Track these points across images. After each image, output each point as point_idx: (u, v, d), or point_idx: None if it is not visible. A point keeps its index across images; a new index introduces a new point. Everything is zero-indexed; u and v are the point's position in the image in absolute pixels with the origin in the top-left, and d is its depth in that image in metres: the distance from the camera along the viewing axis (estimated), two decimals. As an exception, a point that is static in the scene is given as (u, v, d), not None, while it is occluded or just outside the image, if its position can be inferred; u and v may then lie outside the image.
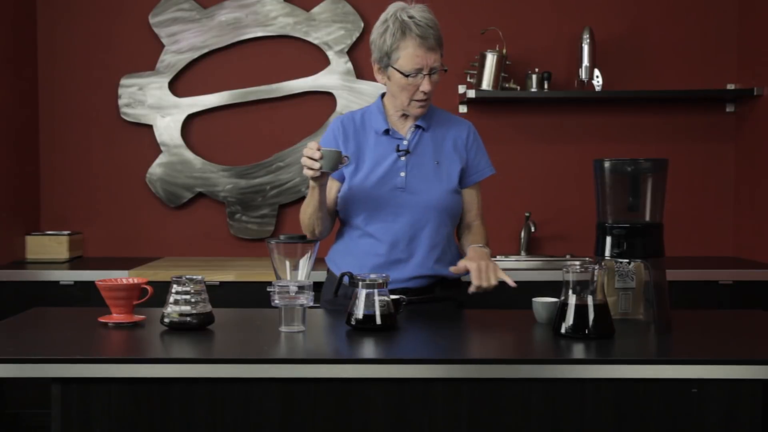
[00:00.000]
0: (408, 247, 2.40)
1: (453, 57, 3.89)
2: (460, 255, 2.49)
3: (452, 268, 2.36)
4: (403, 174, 2.41)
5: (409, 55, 2.33)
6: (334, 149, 2.22)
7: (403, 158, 2.43)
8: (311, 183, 2.30)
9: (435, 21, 2.37)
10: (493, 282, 2.28)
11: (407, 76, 2.34)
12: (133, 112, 3.92)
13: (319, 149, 2.20)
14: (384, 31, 2.35)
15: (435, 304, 2.43)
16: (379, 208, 2.40)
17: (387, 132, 2.45)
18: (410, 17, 2.33)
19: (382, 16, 2.38)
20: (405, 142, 2.44)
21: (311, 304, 2.07)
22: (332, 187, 2.45)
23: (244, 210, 3.93)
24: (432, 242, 2.42)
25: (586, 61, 3.74)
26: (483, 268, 2.28)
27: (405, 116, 2.47)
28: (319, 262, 2.35)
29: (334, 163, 2.20)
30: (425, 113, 2.45)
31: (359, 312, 2.06)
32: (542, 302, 2.18)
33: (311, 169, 2.21)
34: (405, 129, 2.47)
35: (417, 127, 2.46)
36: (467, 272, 2.33)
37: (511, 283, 2.27)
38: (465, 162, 2.49)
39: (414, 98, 2.38)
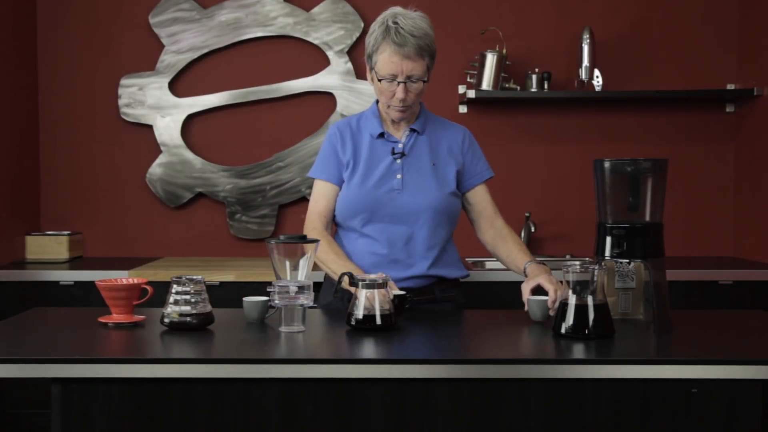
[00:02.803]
0: (405, 247, 2.40)
1: (453, 57, 3.90)
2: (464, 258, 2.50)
3: (527, 294, 2.25)
4: (399, 176, 2.42)
5: (384, 59, 2.33)
6: (261, 300, 2.19)
7: (398, 161, 2.43)
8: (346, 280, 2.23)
9: (425, 30, 2.33)
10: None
11: (380, 80, 2.35)
12: (133, 112, 3.92)
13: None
14: (371, 33, 2.37)
15: (435, 305, 2.43)
16: (376, 210, 2.40)
17: (382, 135, 2.46)
18: (395, 23, 2.32)
19: (379, 18, 2.39)
20: (400, 145, 2.45)
21: (311, 304, 2.08)
22: (332, 193, 2.46)
23: (244, 210, 3.93)
24: (429, 243, 2.41)
25: (586, 61, 3.74)
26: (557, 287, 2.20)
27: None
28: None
29: (261, 313, 2.19)
30: (419, 118, 2.47)
31: (359, 312, 2.06)
32: (537, 300, 2.19)
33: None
34: (400, 133, 2.47)
35: (412, 130, 2.47)
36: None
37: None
38: (462, 166, 2.49)
39: (390, 103, 2.39)
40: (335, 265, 2.35)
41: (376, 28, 2.36)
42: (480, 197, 2.53)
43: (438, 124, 2.53)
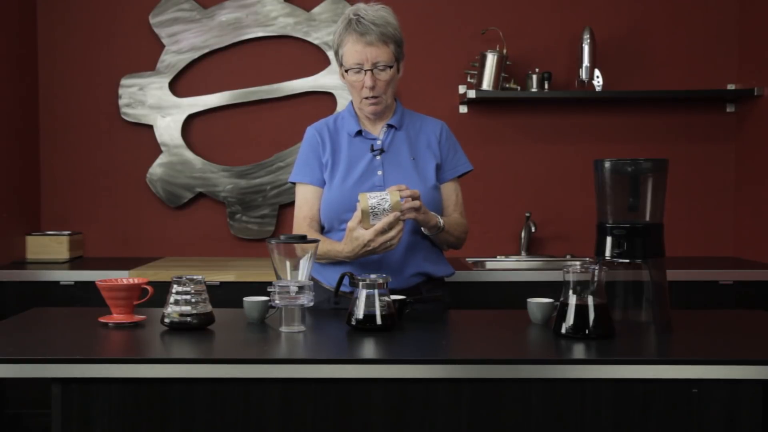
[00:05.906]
0: None
1: (453, 57, 3.91)
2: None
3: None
4: (380, 172, 2.42)
5: (349, 50, 2.37)
6: (261, 300, 2.19)
7: (378, 157, 2.43)
8: (360, 253, 2.28)
9: (387, 20, 2.37)
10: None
11: (347, 71, 2.38)
12: (133, 112, 3.92)
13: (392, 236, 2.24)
14: (335, 31, 2.41)
15: (422, 305, 2.41)
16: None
17: (359, 133, 2.46)
18: (356, 15, 2.36)
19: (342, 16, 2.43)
20: (378, 142, 2.45)
21: (311, 304, 2.07)
22: (317, 196, 2.45)
23: (244, 210, 3.93)
24: (416, 239, 2.41)
25: (586, 61, 3.74)
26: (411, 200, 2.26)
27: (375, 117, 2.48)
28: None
29: (261, 313, 2.19)
30: (395, 114, 2.47)
31: (359, 312, 2.06)
32: (537, 303, 2.18)
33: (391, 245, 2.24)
34: (377, 130, 2.48)
35: (389, 126, 2.47)
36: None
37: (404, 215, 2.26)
38: (440, 159, 2.49)
39: (363, 96, 2.40)
40: (334, 247, 2.35)
41: (339, 24, 2.39)
42: (447, 192, 2.52)
43: (415, 118, 2.53)
